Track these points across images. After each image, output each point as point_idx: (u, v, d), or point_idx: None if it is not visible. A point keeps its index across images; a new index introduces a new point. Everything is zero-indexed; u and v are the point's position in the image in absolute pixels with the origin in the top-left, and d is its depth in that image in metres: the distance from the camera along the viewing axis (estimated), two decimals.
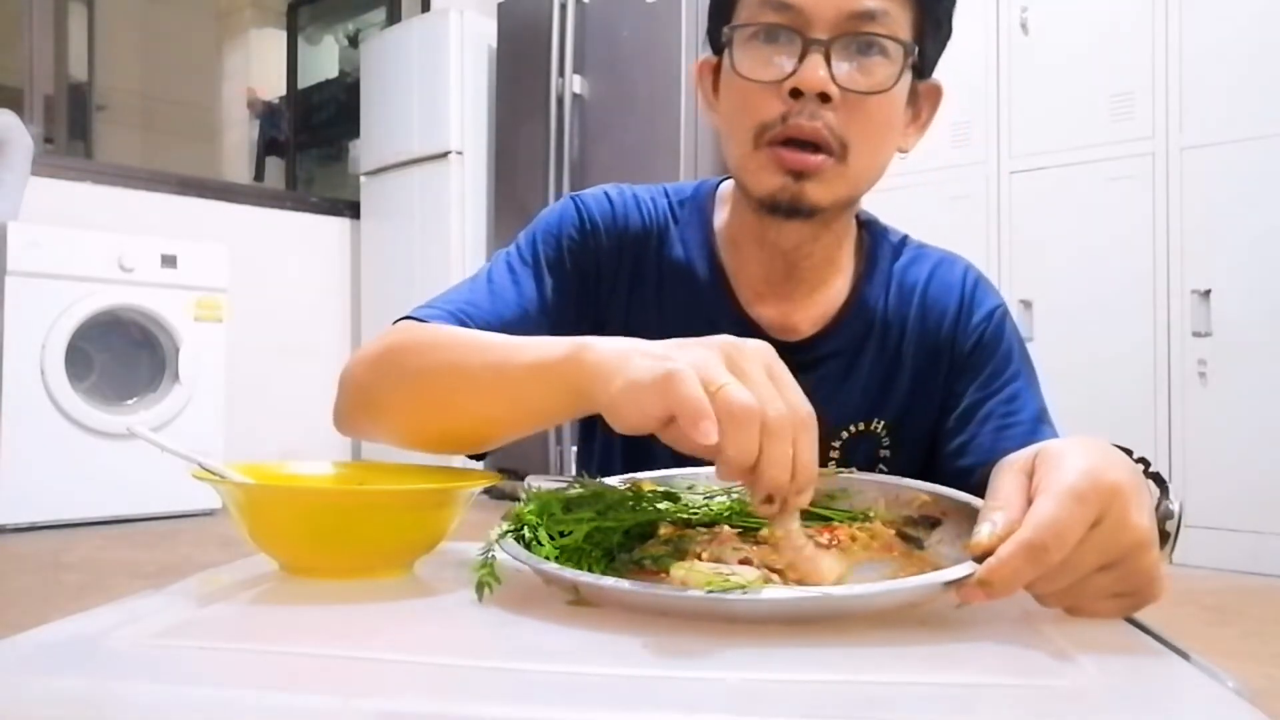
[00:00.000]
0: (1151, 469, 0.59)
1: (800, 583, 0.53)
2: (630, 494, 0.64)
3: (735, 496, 0.65)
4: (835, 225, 0.85)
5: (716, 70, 0.83)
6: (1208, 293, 2.79)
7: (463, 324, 0.78)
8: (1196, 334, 2.80)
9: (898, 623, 0.51)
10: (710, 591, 0.48)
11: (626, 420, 0.54)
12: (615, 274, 0.87)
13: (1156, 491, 0.57)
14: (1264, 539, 2.68)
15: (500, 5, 4.20)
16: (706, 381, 0.51)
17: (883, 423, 0.88)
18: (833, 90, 0.73)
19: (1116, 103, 2.95)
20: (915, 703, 0.41)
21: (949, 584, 0.48)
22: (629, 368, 0.54)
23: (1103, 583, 0.51)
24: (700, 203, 0.91)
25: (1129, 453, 0.54)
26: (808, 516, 0.63)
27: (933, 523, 0.63)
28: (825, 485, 0.68)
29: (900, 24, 0.75)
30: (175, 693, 0.40)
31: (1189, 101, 2.83)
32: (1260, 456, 2.69)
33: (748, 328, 0.86)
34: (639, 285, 0.88)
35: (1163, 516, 0.57)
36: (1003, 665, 0.45)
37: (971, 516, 0.55)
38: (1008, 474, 0.53)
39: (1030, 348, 0.92)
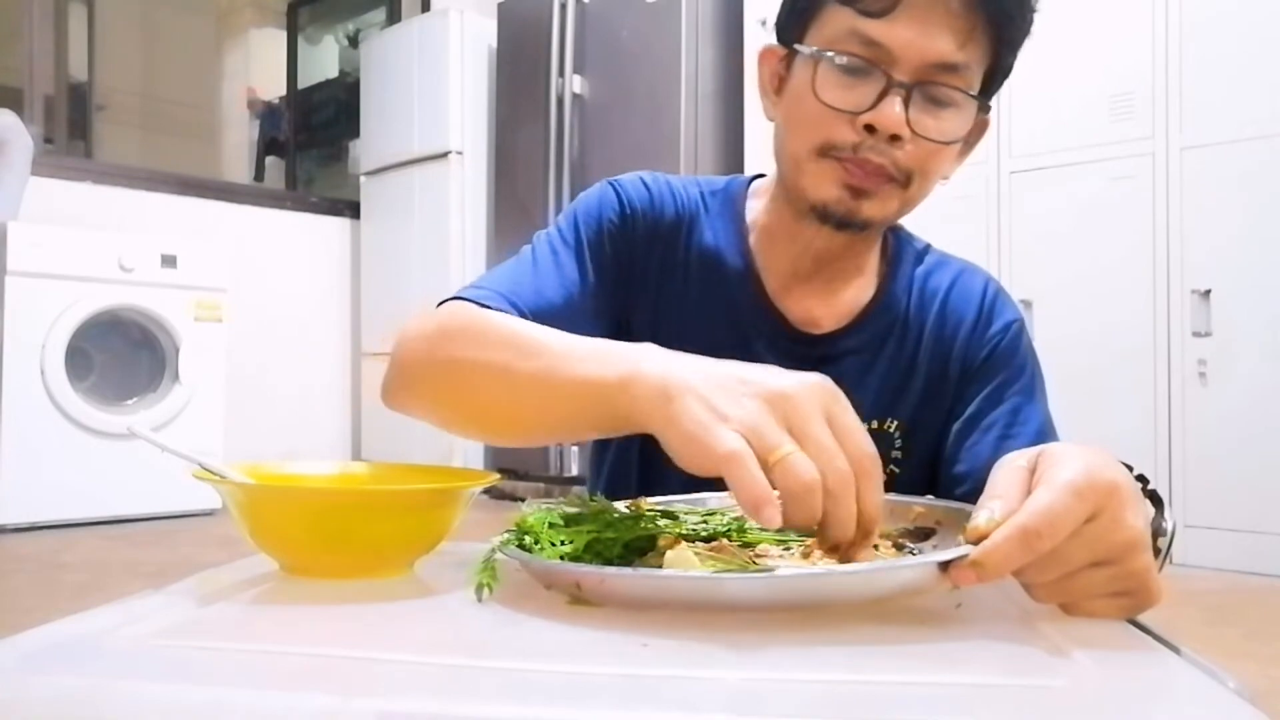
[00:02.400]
0: (1150, 487, 0.59)
1: None
2: (630, 512, 0.64)
3: (735, 516, 0.65)
4: (871, 237, 0.88)
5: (781, 60, 0.84)
6: (1208, 293, 2.79)
7: (515, 310, 0.79)
8: (1196, 334, 2.80)
9: (898, 622, 0.51)
10: (717, 572, 0.48)
11: (682, 465, 0.54)
12: (647, 260, 0.88)
13: (1152, 509, 0.57)
14: (1264, 539, 2.68)
15: (500, 5, 4.20)
16: (764, 452, 0.50)
17: (896, 423, 0.89)
18: (905, 133, 0.75)
19: (1116, 103, 2.95)
20: (915, 703, 0.41)
21: (943, 566, 0.49)
22: (684, 416, 0.53)
23: (1096, 580, 0.51)
24: (732, 195, 0.93)
25: (1129, 468, 0.54)
26: (801, 530, 0.63)
27: (928, 533, 0.63)
28: None
29: (976, 75, 0.78)
30: (175, 693, 0.40)
31: (1189, 101, 2.83)
32: (1260, 457, 2.69)
33: (773, 317, 0.88)
34: (669, 271, 0.89)
35: (1155, 532, 0.57)
36: (1002, 665, 0.45)
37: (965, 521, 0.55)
38: (1008, 468, 0.54)
39: None
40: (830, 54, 0.76)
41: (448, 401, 0.76)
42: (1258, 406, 2.71)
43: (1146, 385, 2.88)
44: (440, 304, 0.79)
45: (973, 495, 0.68)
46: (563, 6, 3.85)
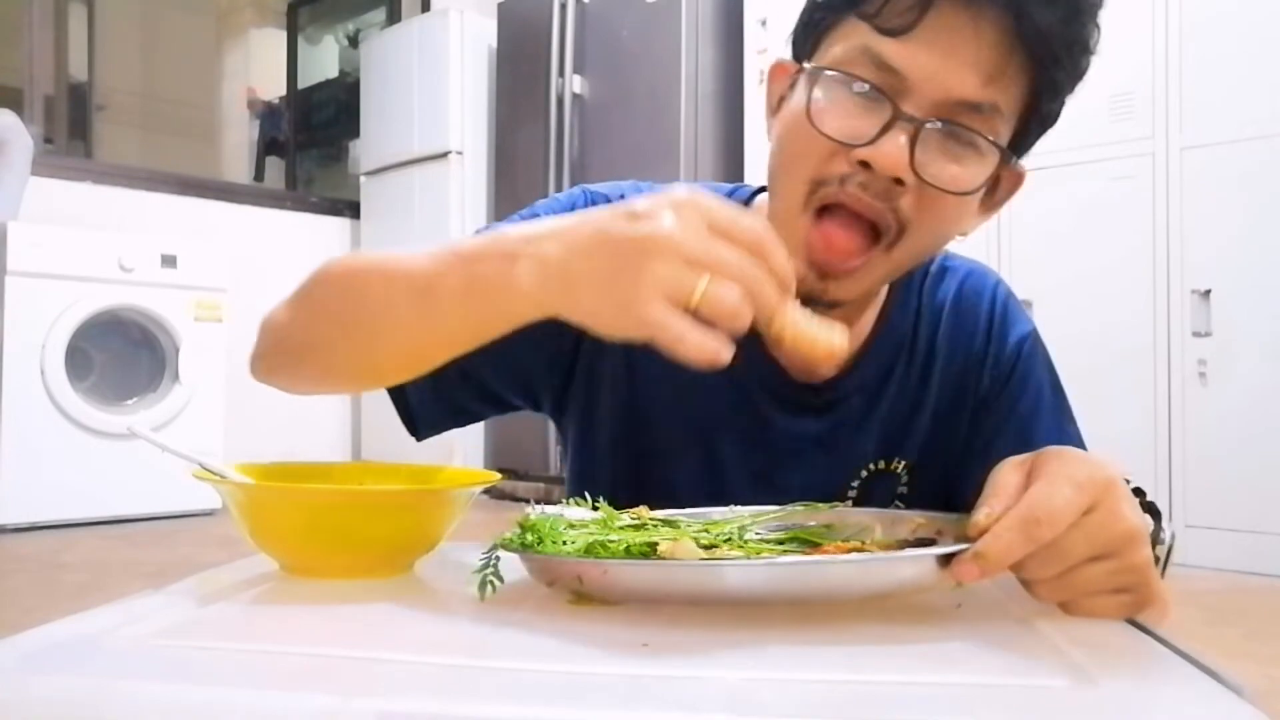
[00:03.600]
0: (1147, 499, 0.60)
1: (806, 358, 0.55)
2: (632, 518, 0.64)
3: (738, 525, 0.65)
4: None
5: (791, 79, 0.73)
6: (1208, 293, 2.78)
7: None
8: (1196, 334, 2.80)
9: (898, 622, 0.51)
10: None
11: (611, 333, 0.53)
12: None
13: (1151, 522, 0.58)
14: (1264, 539, 2.68)
15: (500, 5, 4.20)
16: (684, 300, 0.50)
17: (903, 463, 0.83)
18: (909, 177, 0.65)
19: (1116, 103, 2.95)
20: (915, 703, 0.41)
21: (945, 561, 0.49)
22: (597, 305, 0.53)
23: (1096, 575, 0.51)
24: None
25: (1126, 482, 0.55)
26: (802, 542, 0.63)
27: (929, 544, 0.63)
28: (821, 518, 0.69)
29: (1005, 118, 0.67)
30: (175, 693, 0.40)
31: (1189, 101, 2.83)
32: (1260, 456, 2.69)
33: (767, 367, 0.80)
34: None
35: (1153, 541, 0.58)
36: (1003, 665, 0.45)
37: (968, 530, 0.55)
38: (1006, 469, 0.54)
39: None
40: (832, 73, 0.67)
41: (323, 348, 0.70)
42: (1258, 406, 2.71)
43: (1146, 385, 2.88)
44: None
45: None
46: (563, 6, 3.85)
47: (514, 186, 4.08)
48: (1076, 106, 0.72)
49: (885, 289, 0.83)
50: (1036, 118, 0.69)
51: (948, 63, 0.64)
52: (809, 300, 0.67)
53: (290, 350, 0.73)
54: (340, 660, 0.44)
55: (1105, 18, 0.68)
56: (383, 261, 0.66)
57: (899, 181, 0.65)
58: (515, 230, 0.58)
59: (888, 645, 0.48)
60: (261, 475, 0.65)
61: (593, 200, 0.83)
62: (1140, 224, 2.90)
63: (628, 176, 0.92)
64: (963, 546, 0.49)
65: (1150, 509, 0.60)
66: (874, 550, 0.59)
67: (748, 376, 0.79)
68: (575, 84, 3.82)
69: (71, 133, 4.94)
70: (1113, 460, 0.53)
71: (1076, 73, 0.67)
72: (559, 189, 3.79)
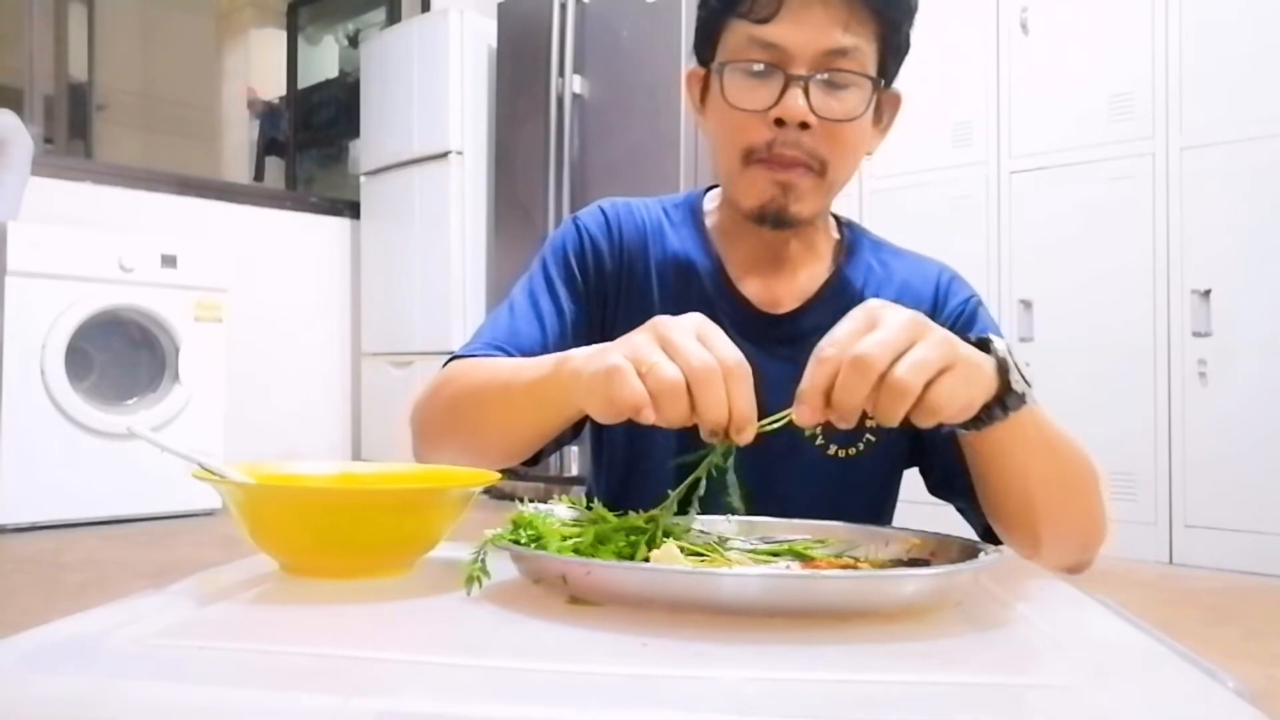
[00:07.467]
0: (973, 339, 0.65)
1: None
2: (632, 521, 0.64)
3: (725, 536, 0.66)
4: (812, 227, 0.97)
5: (703, 81, 0.93)
6: (1208, 293, 2.79)
7: (502, 352, 0.90)
8: (1196, 334, 2.80)
9: (897, 622, 0.51)
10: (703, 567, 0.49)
11: (600, 417, 0.62)
12: (618, 274, 0.98)
13: (988, 358, 0.64)
14: (1264, 539, 2.68)
15: (500, 5, 4.20)
16: (639, 365, 0.59)
17: None
18: (811, 119, 0.84)
19: (1116, 103, 2.95)
20: (915, 703, 0.41)
21: (942, 579, 0.49)
22: (587, 372, 0.63)
23: (912, 368, 0.56)
24: (692, 203, 1.03)
25: (965, 338, 0.63)
26: (795, 556, 0.63)
27: (922, 564, 0.63)
28: (816, 531, 0.69)
29: (868, 54, 0.86)
30: (175, 693, 0.40)
31: (1189, 101, 2.83)
32: (1260, 456, 2.69)
33: (736, 301, 0.95)
34: (639, 277, 0.98)
35: (1001, 358, 0.65)
36: (1002, 665, 0.45)
37: (961, 552, 0.57)
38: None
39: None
40: (733, 63, 0.86)
41: (452, 437, 0.88)
42: (1258, 406, 2.71)
43: (1147, 385, 2.88)
44: (445, 363, 0.90)
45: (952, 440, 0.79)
46: (563, 6, 3.85)
47: (514, 186, 4.08)
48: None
49: (835, 252, 0.99)
50: (891, 49, 0.88)
51: (811, 26, 0.83)
52: (779, 221, 0.88)
53: (437, 443, 0.90)
54: (340, 660, 0.44)
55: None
56: (483, 371, 0.85)
57: (804, 126, 0.84)
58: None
59: (888, 645, 0.48)
60: (261, 475, 0.65)
61: (579, 222, 0.99)
62: (1140, 224, 2.90)
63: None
64: (957, 567, 0.49)
65: (980, 345, 0.65)
66: (868, 569, 0.59)
67: (717, 311, 0.92)
68: (575, 84, 3.82)
69: (71, 133, 4.94)
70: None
71: (905, 9, 0.88)
72: (559, 189, 3.80)
